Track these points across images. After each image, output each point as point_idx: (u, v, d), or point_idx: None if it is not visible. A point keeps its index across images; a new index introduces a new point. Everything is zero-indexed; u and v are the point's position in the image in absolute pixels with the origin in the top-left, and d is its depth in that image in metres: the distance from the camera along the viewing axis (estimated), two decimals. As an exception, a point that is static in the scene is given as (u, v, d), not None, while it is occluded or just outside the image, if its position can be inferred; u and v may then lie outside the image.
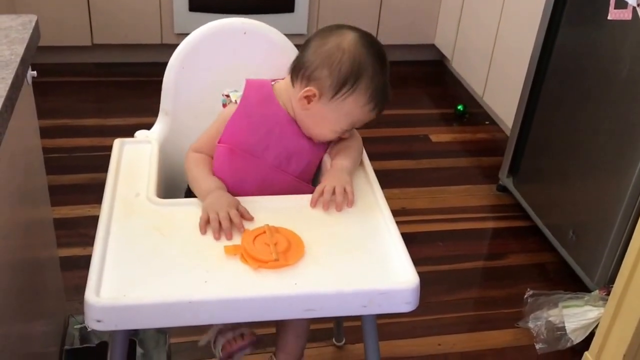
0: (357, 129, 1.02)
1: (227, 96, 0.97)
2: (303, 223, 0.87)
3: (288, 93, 0.95)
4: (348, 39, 0.90)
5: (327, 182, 0.91)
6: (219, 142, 0.94)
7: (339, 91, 0.90)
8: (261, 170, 0.94)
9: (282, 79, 1.00)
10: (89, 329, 1.22)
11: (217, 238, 0.83)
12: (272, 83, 0.98)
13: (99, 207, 0.89)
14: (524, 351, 1.44)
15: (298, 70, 0.92)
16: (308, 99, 0.91)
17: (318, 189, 0.91)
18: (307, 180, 0.99)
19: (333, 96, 0.90)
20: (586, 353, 1.35)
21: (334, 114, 0.92)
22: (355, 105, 0.91)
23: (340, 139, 0.99)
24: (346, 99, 0.90)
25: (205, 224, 0.84)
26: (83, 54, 2.51)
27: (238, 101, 0.95)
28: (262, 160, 0.94)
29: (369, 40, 0.91)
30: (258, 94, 0.96)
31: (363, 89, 0.90)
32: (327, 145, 1.00)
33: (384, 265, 0.82)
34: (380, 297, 0.78)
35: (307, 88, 0.90)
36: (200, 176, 0.93)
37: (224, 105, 0.99)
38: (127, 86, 2.44)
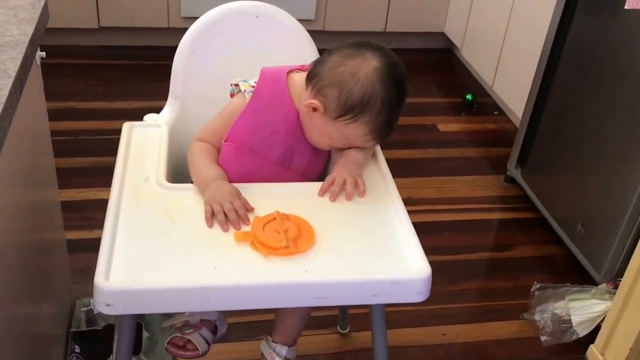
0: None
1: (237, 85, 0.96)
2: (313, 210, 0.86)
3: (302, 90, 0.94)
4: (367, 69, 0.87)
5: (337, 173, 0.90)
6: (225, 141, 0.93)
7: (341, 116, 0.89)
8: (266, 169, 0.94)
9: (301, 67, 0.97)
10: (95, 312, 1.23)
11: (226, 230, 0.82)
12: (288, 72, 0.95)
13: (105, 191, 0.88)
14: (529, 343, 1.44)
15: (312, 77, 0.91)
16: (313, 109, 0.91)
17: (328, 178, 0.90)
18: (312, 178, 0.98)
19: (335, 118, 0.89)
20: (592, 346, 1.35)
21: (333, 132, 0.91)
22: (355, 132, 0.90)
23: None
24: (347, 125, 0.89)
25: (211, 217, 0.83)
26: (89, 36, 2.50)
27: (247, 92, 0.94)
28: (267, 159, 0.93)
29: (389, 73, 0.88)
30: (271, 88, 0.94)
31: (364, 122, 0.89)
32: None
33: (395, 254, 0.81)
34: (391, 287, 0.77)
35: (314, 100, 0.89)
36: (202, 166, 0.92)
37: (232, 95, 0.98)
38: (133, 69, 2.43)
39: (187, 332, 0.97)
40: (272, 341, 1.03)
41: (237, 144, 0.92)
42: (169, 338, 0.98)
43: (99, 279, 0.72)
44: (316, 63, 0.92)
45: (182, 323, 0.99)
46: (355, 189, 0.89)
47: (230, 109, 0.95)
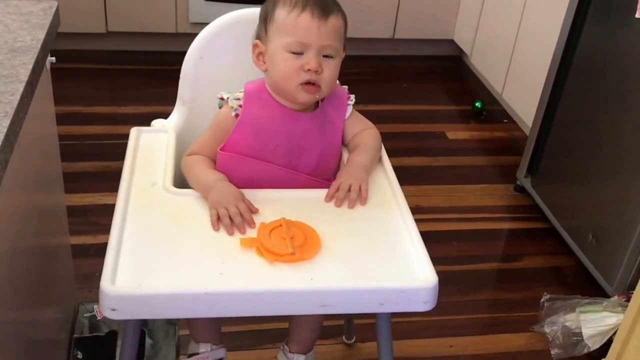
0: (372, 122, 0.99)
1: (222, 99, 0.95)
2: (319, 217, 0.85)
3: (269, 83, 0.94)
4: None
5: (342, 179, 0.90)
6: (220, 149, 0.92)
7: (265, 21, 0.90)
8: (269, 172, 0.92)
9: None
10: (98, 318, 1.22)
11: (231, 234, 0.81)
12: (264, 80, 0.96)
13: (110, 196, 0.88)
14: (539, 356, 1.41)
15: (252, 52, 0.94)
16: (258, 56, 0.92)
17: (334, 184, 0.90)
18: (325, 178, 0.97)
19: (266, 30, 0.90)
20: (603, 360, 1.32)
21: (277, 44, 0.89)
22: (286, 16, 0.88)
23: (354, 135, 0.96)
24: (274, 21, 0.89)
25: (216, 221, 0.82)
26: (97, 41, 2.51)
27: (230, 99, 0.93)
28: (271, 164, 0.92)
29: None
30: (257, 99, 0.94)
31: (280, 2, 0.89)
32: (340, 139, 0.98)
33: (401, 262, 0.80)
34: (398, 295, 0.76)
35: (253, 45, 0.92)
36: (200, 172, 0.91)
37: (220, 108, 0.97)
38: (140, 75, 2.43)
39: None
40: (289, 351, 1.04)
41: (235, 153, 0.91)
42: None
43: (105, 283, 0.72)
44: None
45: None
46: (358, 196, 0.88)
47: (217, 120, 0.95)
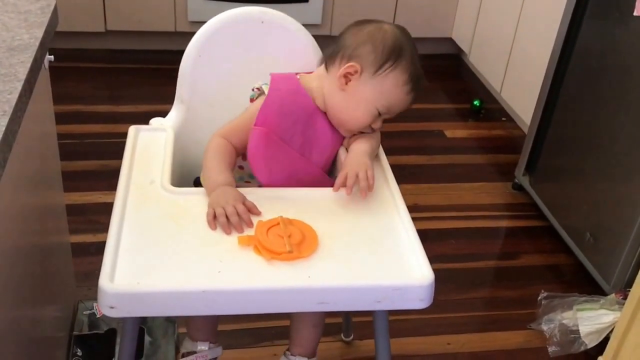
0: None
1: (259, 89, 0.96)
2: (317, 216, 0.85)
3: (318, 82, 0.95)
4: (387, 25, 0.94)
5: (349, 169, 0.90)
6: (255, 125, 0.92)
7: (382, 65, 0.91)
8: (293, 159, 0.93)
9: (307, 73, 0.99)
10: (97, 315, 1.22)
11: (228, 233, 0.81)
12: (297, 76, 0.97)
13: (110, 194, 0.88)
14: (536, 353, 1.42)
15: (336, 54, 0.93)
16: (347, 77, 0.92)
17: (341, 174, 0.89)
18: (328, 173, 0.98)
19: (376, 71, 0.91)
20: (600, 358, 1.32)
21: (373, 92, 0.91)
22: (396, 82, 0.91)
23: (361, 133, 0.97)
24: (388, 75, 0.91)
25: (213, 219, 0.82)
26: (96, 40, 2.51)
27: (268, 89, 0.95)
28: (291, 148, 0.93)
29: (406, 31, 0.95)
30: (286, 85, 0.95)
31: (404, 67, 0.91)
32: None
33: (398, 260, 0.80)
34: (394, 293, 0.76)
35: (349, 64, 0.91)
36: (213, 167, 0.91)
37: (251, 100, 0.97)
38: (139, 73, 2.43)
39: None
40: (291, 354, 1.03)
41: (268, 129, 0.91)
42: None
43: (104, 281, 0.72)
44: (331, 48, 0.95)
45: None
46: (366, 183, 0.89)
47: (253, 109, 0.94)
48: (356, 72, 0.91)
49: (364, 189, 0.87)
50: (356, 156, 0.92)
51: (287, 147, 0.92)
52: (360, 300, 0.76)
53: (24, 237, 0.93)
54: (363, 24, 0.94)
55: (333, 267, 0.78)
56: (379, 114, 0.94)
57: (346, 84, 0.92)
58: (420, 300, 0.76)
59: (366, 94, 0.91)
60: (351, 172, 0.88)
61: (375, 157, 0.99)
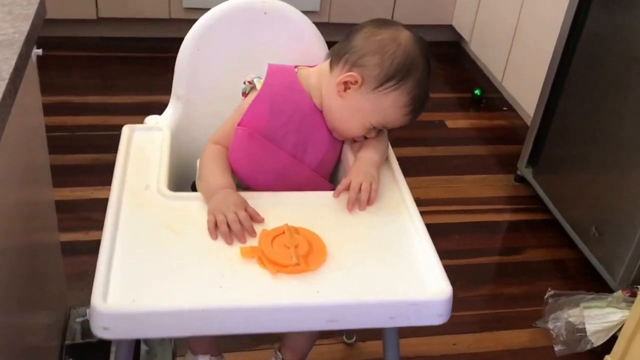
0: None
1: (250, 82, 0.91)
2: (324, 223, 0.81)
3: (318, 79, 0.90)
4: (405, 35, 0.86)
5: (353, 177, 0.85)
6: (238, 125, 0.87)
7: (384, 84, 0.85)
8: (279, 160, 0.88)
9: (308, 66, 0.93)
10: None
11: (230, 243, 0.77)
12: (296, 69, 0.92)
13: (102, 190, 0.83)
14: (542, 353, 1.40)
15: (342, 55, 0.87)
16: (346, 85, 0.86)
17: (344, 181, 0.85)
18: (324, 176, 0.94)
19: (376, 87, 0.85)
20: (607, 357, 1.30)
21: (369, 107, 0.86)
22: (395, 103, 0.86)
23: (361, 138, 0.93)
24: (388, 94, 0.85)
25: (214, 228, 0.78)
26: (88, 27, 2.43)
27: (261, 84, 0.89)
28: (280, 149, 0.88)
29: (424, 44, 0.88)
30: (281, 79, 0.90)
31: (407, 89, 0.85)
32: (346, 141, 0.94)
33: (413, 271, 0.76)
34: (409, 309, 0.72)
35: (350, 73, 0.85)
36: (210, 173, 0.86)
37: (244, 94, 0.92)
38: (133, 62, 2.36)
39: None
40: (282, 359, 0.99)
41: (251, 129, 0.87)
42: None
43: (96, 300, 0.67)
44: (340, 44, 0.89)
45: None
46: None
47: (241, 111, 0.89)
48: (356, 82, 0.85)
49: (363, 202, 0.83)
50: (364, 165, 0.87)
51: (273, 147, 0.87)
52: (373, 317, 0.72)
53: (10, 236, 0.88)
54: (380, 27, 0.86)
55: (343, 280, 0.73)
56: (373, 127, 0.89)
57: (344, 90, 0.86)
58: (439, 316, 0.72)
59: (363, 106, 0.86)
60: (355, 182, 0.84)
61: (385, 158, 0.94)
